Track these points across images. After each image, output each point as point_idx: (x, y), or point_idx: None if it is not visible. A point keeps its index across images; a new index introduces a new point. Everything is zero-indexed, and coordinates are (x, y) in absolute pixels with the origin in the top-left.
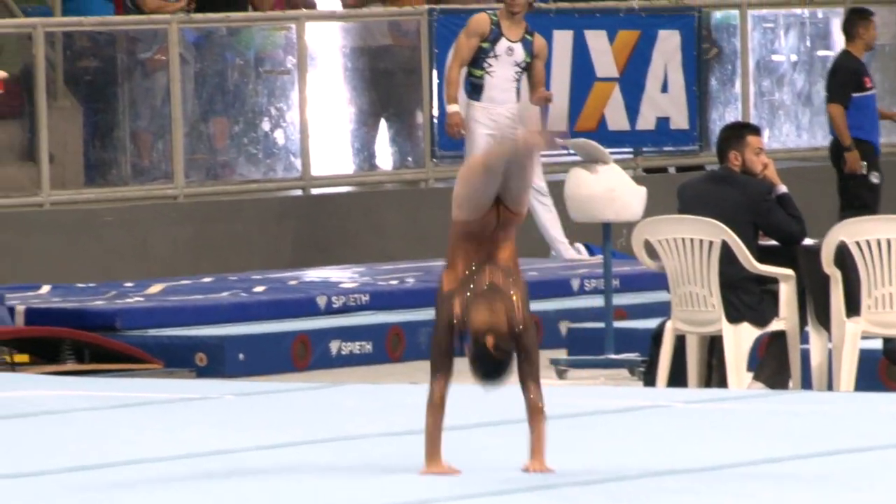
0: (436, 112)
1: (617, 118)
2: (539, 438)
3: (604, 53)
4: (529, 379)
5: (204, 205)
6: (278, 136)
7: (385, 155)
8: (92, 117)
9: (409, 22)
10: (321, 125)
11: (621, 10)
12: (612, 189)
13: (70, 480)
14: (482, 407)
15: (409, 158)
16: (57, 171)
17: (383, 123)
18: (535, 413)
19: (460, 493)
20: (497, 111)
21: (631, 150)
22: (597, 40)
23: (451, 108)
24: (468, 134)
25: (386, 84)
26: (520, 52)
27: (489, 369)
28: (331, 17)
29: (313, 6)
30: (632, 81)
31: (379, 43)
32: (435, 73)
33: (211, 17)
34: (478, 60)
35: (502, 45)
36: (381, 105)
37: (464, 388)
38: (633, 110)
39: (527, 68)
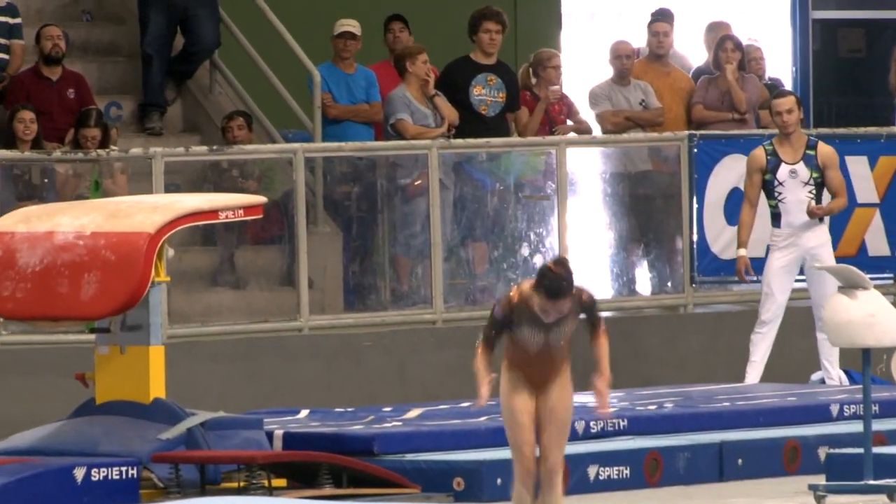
0: (695, 237)
1: (877, 244)
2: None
3: (865, 179)
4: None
5: (463, 330)
6: (538, 261)
7: (644, 280)
8: (351, 242)
9: (669, 147)
10: (580, 250)
11: (883, 135)
12: (872, 314)
13: None
14: None
15: (669, 283)
16: (316, 296)
17: (643, 249)
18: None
19: None
20: (798, 233)
21: (891, 275)
22: (858, 166)
23: (739, 252)
24: (766, 260)
25: (645, 209)
26: (804, 172)
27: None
28: (591, 142)
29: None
30: (893, 207)
31: (639, 168)
32: (695, 198)
33: (471, 142)
34: (769, 193)
35: (783, 171)
36: (641, 230)
37: None
38: (893, 235)
39: (822, 182)
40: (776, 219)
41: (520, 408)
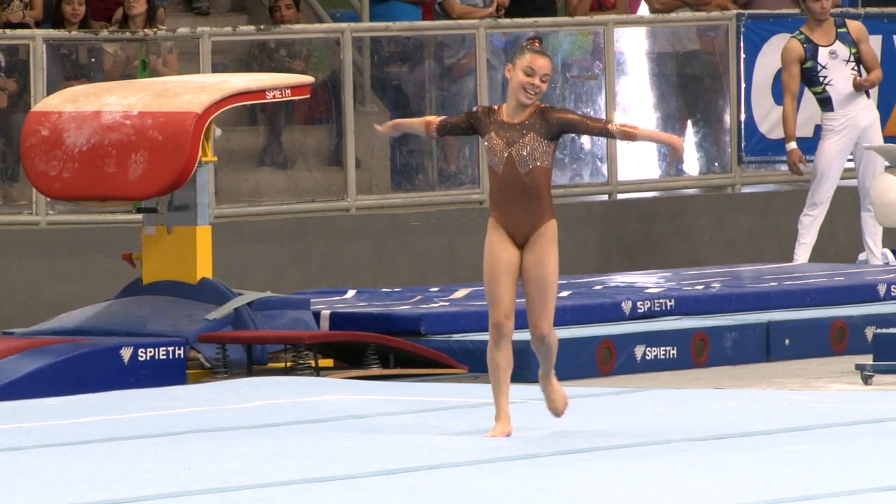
0: (743, 117)
1: None
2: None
3: None
4: None
5: None
6: (585, 140)
7: (691, 160)
8: None
9: (717, 27)
10: None
11: None
12: None
13: (374, 484)
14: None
15: (716, 163)
16: (363, 176)
17: (690, 128)
18: None
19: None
20: (851, 114)
21: None
22: None
23: (789, 146)
24: (820, 144)
25: (693, 89)
26: (842, 50)
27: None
28: (639, 22)
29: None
30: None
31: (687, 48)
32: (743, 77)
33: (519, 21)
34: (812, 80)
35: (823, 54)
36: (689, 110)
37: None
38: None
39: (859, 58)
40: (826, 103)
41: (499, 258)
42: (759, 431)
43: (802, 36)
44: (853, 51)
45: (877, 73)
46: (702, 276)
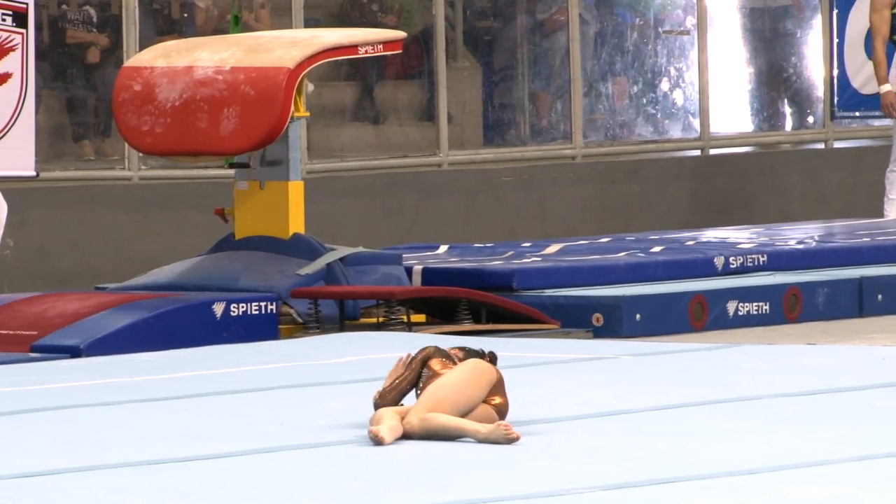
0: (836, 72)
1: None
2: None
3: None
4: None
5: (602, 165)
6: (677, 96)
7: (784, 115)
8: (490, 77)
9: None
10: (720, 85)
11: None
12: None
13: (467, 439)
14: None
15: (809, 118)
16: (455, 132)
17: (783, 84)
18: None
19: (859, 453)
20: None
21: None
22: None
23: (884, 88)
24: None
25: (785, 44)
26: None
27: None
28: None
29: None
30: None
31: (779, 3)
32: (835, 32)
33: None
34: (894, 28)
35: None
36: (780, 65)
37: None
38: None
39: None
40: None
41: None
42: (852, 387)
43: None
44: None
45: None
46: (794, 231)
